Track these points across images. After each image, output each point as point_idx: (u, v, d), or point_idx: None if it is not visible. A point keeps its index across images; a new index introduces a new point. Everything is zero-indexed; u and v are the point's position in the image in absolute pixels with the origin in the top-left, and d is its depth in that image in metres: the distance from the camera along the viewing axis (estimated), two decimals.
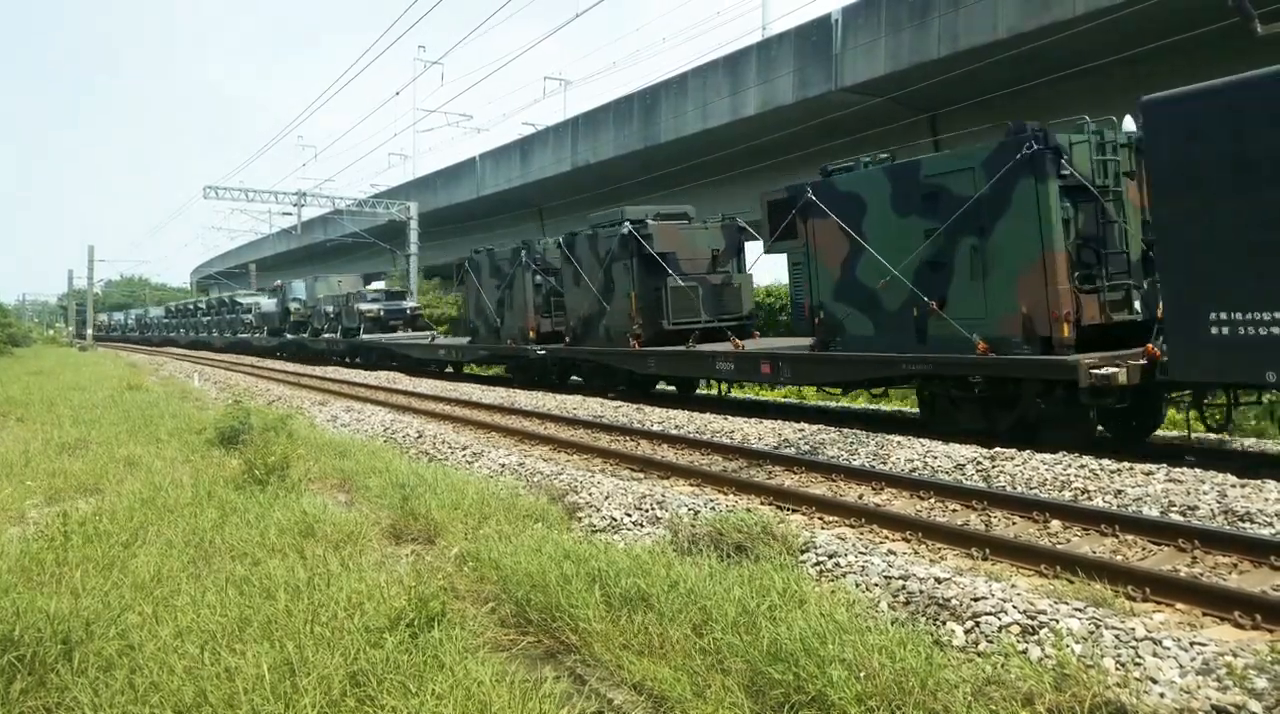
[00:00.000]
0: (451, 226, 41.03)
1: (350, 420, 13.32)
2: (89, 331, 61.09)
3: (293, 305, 35.43)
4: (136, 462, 8.62)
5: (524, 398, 15.55)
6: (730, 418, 11.41)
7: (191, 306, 56.37)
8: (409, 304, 30.20)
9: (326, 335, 31.66)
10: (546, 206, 36.19)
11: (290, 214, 38.75)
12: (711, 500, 6.90)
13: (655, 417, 12.02)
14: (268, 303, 40.09)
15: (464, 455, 9.61)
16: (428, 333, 27.91)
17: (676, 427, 11.16)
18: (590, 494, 7.02)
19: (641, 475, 8.55)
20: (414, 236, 37.92)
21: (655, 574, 4.42)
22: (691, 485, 8.00)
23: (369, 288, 33.05)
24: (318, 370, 26.54)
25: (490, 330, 19.45)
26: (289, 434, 9.88)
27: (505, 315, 18.80)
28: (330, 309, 31.38)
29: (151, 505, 6.37)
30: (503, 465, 8.74)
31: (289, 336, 35.46)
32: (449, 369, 24.48)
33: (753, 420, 11.07)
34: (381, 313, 28.45)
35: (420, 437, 11.12)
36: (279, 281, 38.50)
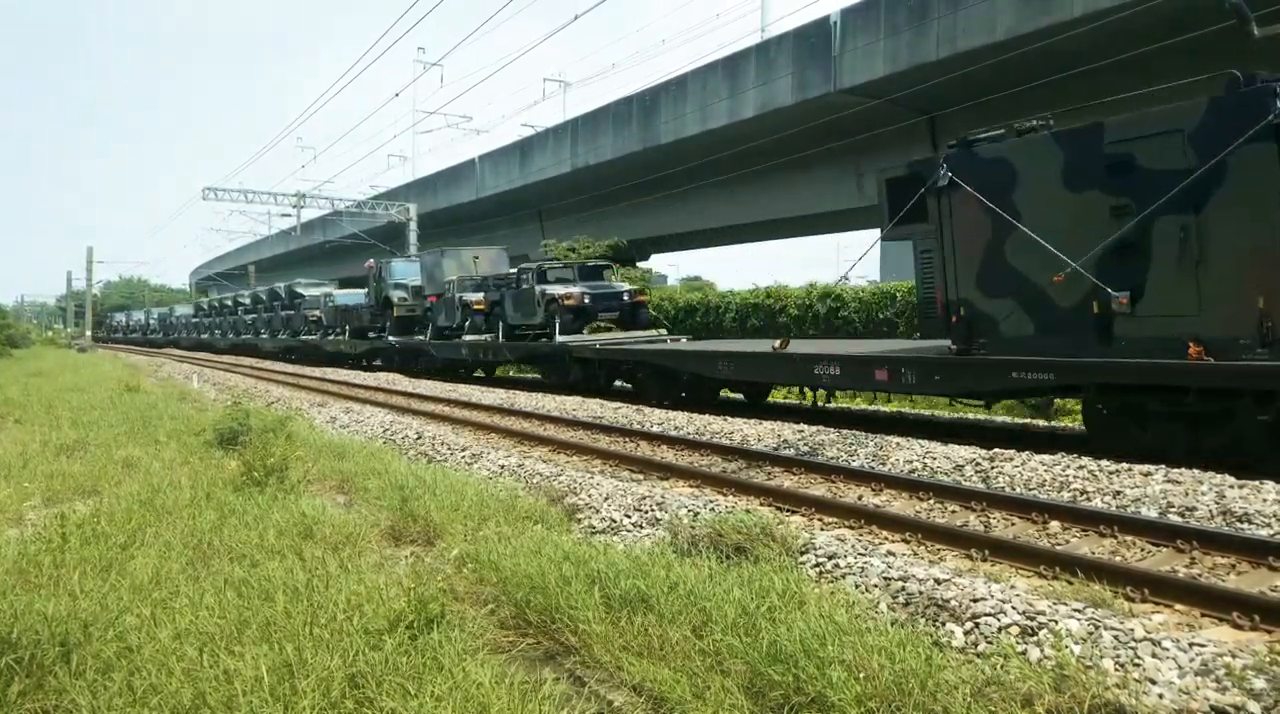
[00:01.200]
0: (451, 228, 41.07)
1: (349, 422, 13.32)
2: (88, 332, 60.60)
3: (395, 295, 25.36)
4: (135, 463, 8.61)
5: (523, 399, 15.55)
6: (730, 419, 11.41)
7: (231, 302, 45.10)
8: (624, 286, 18.97)
9: (471, 337, 21.03)
10: (546, 208, 36.23)
11: (289, 216, 38.78)
12: (711, 502, 6.90)
13: (655, 418, 12.02)
14: (347, 295, 31.15)
15: (463, 457, 9.60)
16: (658, 332, 18.67)
17: (676, 428, 11.17)
18: (590, 495, 7.02)
19: (641, 477, 8.55)
20: (413, 238, 37.95)
21: (655, 576, 4.42)
22: (691, 487, 8.00)
23: (544, 263, 20.68)
24: (316, 371, 26.47)
25: (1050, 319, 8.66)
26: (288, 435, 9.87)
27: (1158, 276, 7.77)
28: (474, 297, 21.22)
29: (150, 507, 6.36)
30: (502, 467, 8.74)
31: (392, 339, 25.14)
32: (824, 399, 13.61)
33: (752, 421, 11.08)
34: (586, 300, 17.63)
35: (419, 438, 11.12)
36: (370, 261, 28.00)
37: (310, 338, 31.89)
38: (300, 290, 35.18)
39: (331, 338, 30.21)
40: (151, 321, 63.12)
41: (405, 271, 26.22)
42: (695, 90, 24.93)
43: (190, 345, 49.35)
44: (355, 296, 30.30)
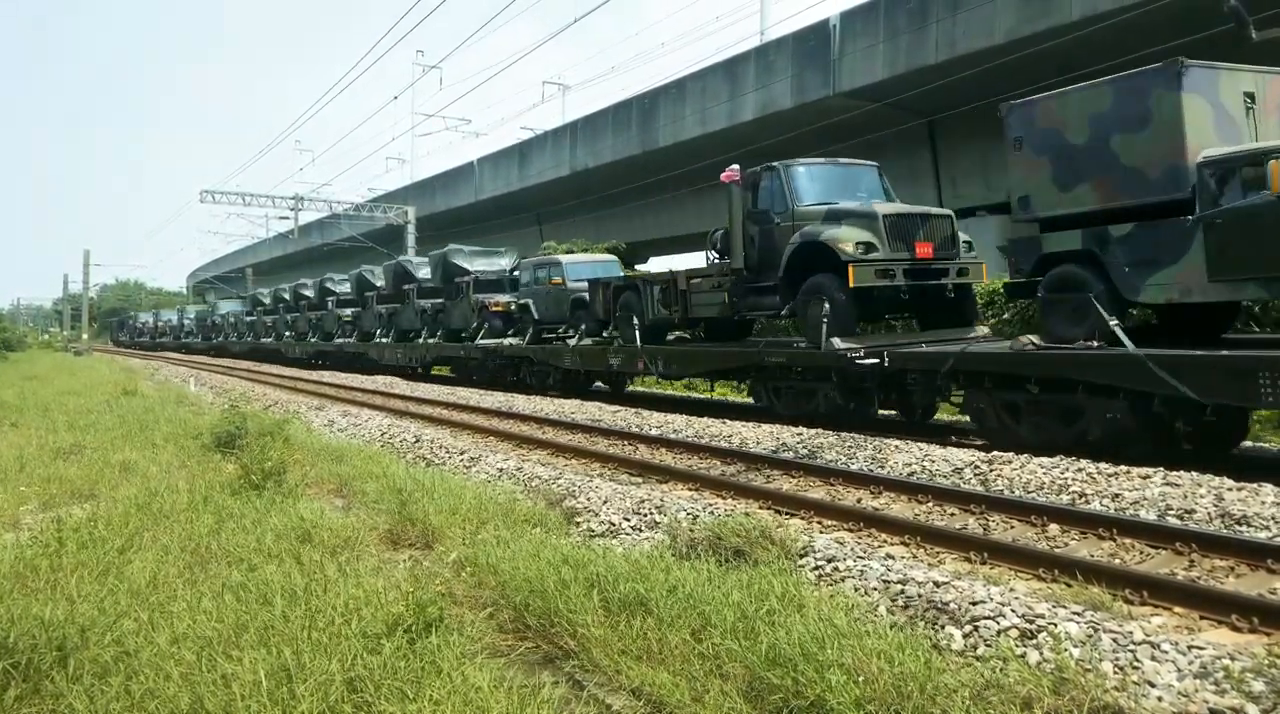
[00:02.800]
0: (449, 231, 41.09)
1: (347, 425, 13.30)
2: (85, 336, 60.16)
3: (846, 236, 10.72)
4: (132, 467, 8.58)
5: (522, 402, 15.53)
6: (729, 422, 11.40)
7: (312, 293, 32.96)
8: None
9: None
10: (545, 211, 36.24)
11: (287, 218, 38.79)
12: (710, 505, 6.89)
13: (654, 421, 12.02)
14: (584, 263, 18.57)
15: (462, 460, 9.59)
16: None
17: (675, 431, 11.16)
18: (588, 499, 7.01)
19: (640, 480, 8.54)
20: (411, 240, 37.97)
21: (654, 579, 4.41)
22: (690, 490, 7.99)
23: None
24: (314, 374, 26.40)
25: None
26: (285, 439, 9.85)
27: None
28: None
29: (147, 511, 6.34)
30: (500, 470, 8.73)
31: (842, 345, 10.43)
32: None
33: (751, 424, 11.07)
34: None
35: (418, 441, 11.11)
36: (731, 169, 12.39)
37: (507, 341, 18.94)
38: (461, 262, 22.03)
39: (587, 343, 16.31)
40: (186, 322, 52.25)
41: (862, 186, 12.02)
42: (694, 93, 24.97)
43: (243, 352, 38.62)
44: (598, 265, 18.65)
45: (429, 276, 24.16)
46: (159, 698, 3.25)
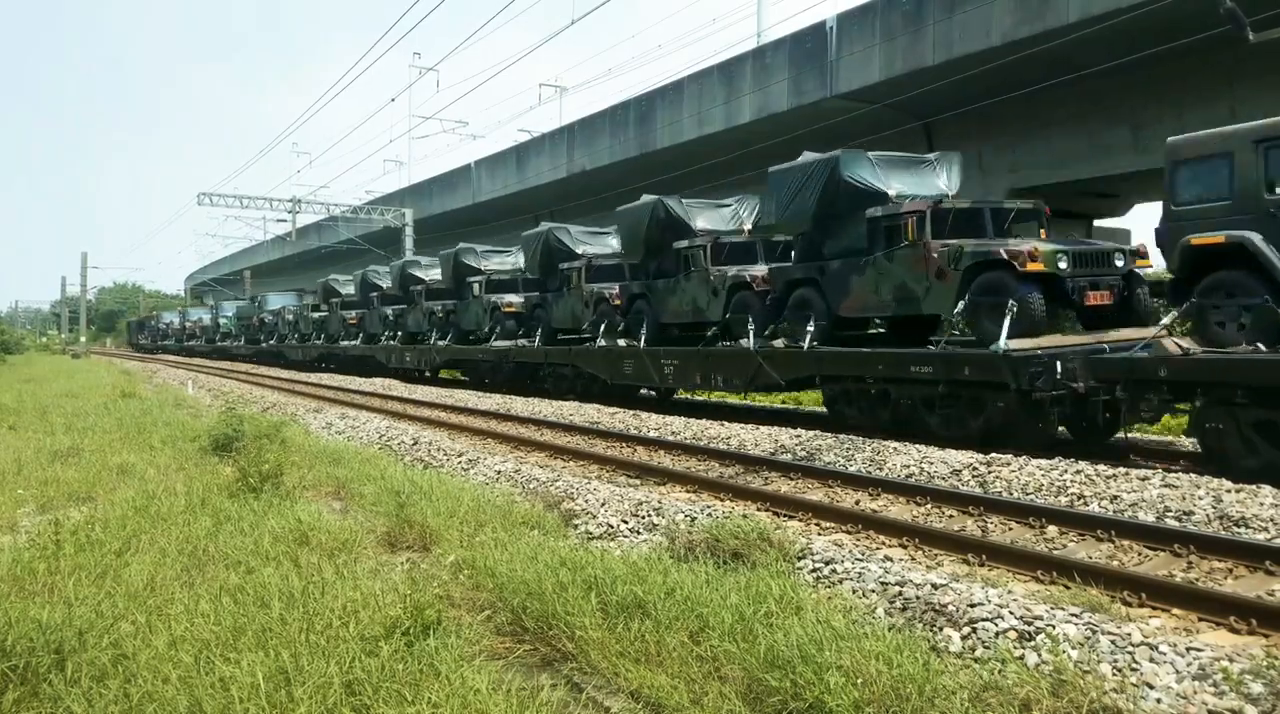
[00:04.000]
0: (447, 233, 41.09)
1: (345, 427, 13.29)
2: (82, 338, 59.88)
3: None
4: (129, 469, 8.57)
5: (520, 404, 15.53)
6: (727, 424, 11.41)
7: (433, 275, 23.74)
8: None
9: None
10: (543, 213, 36.24)
11: (285, 221, 38.76)
12: (708, 507, 6.88)
13: (652, 423, 12.02)
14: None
15: (459, 462, 9.58)
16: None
17: (673, 433, 11.16)
18: (586, 501, 7.01)
19: (638, 482, 8.54)
20: (409, 243, 37.97)
21: (652, 581, 4.41)
22: (688, 492, 7.99)
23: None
24: (311, 377, 26.37)
25: None
26: (283, 441, 9.84)
27: None
28: None
29: (144, 513, 6.33)
30: (498, 472, 8.72)
31: None
32: None
33: (749, 426, 11.07)
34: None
35: (415, 443, 11.10)
36: None
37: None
38: (873, 182, 11.81)
39: None
40: (223, 321, 43.70)
41: None
42: (692, 95, 24.98)
43: (309, 359, 30.91)
44: None
45: (713, 226, 14.58)
46: (157, 701, 3.24)
